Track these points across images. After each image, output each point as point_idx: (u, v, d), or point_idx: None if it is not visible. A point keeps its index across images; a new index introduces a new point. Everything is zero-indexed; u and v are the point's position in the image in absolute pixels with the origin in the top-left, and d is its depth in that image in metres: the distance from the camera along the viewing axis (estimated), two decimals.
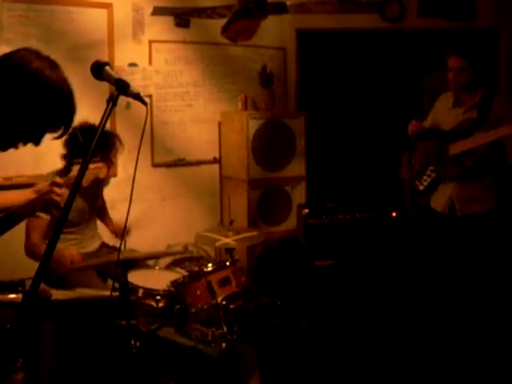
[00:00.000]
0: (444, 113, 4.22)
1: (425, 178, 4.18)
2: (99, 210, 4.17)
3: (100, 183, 3.98)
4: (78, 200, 3.78)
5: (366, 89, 5.99)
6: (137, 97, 1.95)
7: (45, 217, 3.60)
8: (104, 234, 4.22)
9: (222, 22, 5.30)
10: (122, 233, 2.73)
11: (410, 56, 5.94)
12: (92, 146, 1.79)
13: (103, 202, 4.22)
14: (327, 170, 5.86)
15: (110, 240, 4.16)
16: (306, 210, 5.02)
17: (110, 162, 3.69)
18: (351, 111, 6.00)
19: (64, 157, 3.73)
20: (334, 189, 5.68)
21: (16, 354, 1.85)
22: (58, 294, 2.89)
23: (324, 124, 5.89)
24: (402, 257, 4.68)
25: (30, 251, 3.58)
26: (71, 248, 3.66)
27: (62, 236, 1.79)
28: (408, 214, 5.15)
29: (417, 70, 6.06)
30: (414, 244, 4.69)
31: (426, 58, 5.89)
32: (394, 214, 4.97)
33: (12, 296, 2.82)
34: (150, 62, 5.12)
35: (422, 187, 4.22)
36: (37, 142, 2.08)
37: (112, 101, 1.87)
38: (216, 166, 5.60)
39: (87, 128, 3.60)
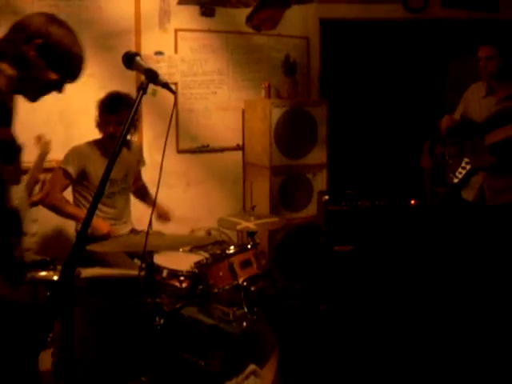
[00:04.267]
0: (475, 103, 4.21)
1: (460, 170, 4.17)
2: (140, 191, 4.47)
3: (133, 159, 4.21)
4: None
5: (388, 78, 6.04)
6: (165, 86, 2.05)
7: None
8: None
9: (247, 11, 5.37)
10: (150, 219, 2.85)
11: (432, 46, 5.97)
12: (127, 123, 1.92)
13: (143, 184, 4.50)
14: (348, 158, 5.93)
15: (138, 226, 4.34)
16: (327, 197, 5.07)
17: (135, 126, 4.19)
18: (373, 100, 6.06)
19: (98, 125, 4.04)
20: (355, 176, 5.75)
21: (49, 328, 1.96)
22: (86, 272, 3.00)
23: (346, 112, 5.96)
24: (418, 245, 4.74)
25: (52, 204, 3.88)
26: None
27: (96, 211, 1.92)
28: (428, 202, 5.21)
29: (439, 60, 6.10)
30: (431, 233, 4.75)
31: (449, 47, 5.93)
32: (412, 202, 5.02)
33: (43, 273, 2.96)
34: (176, 51, 5.22)
35: (456, 180, 4.21)
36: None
37: (142, 89, 1.97)
38: (239, 153, 5.70)
39: (115, 97, 3.98)
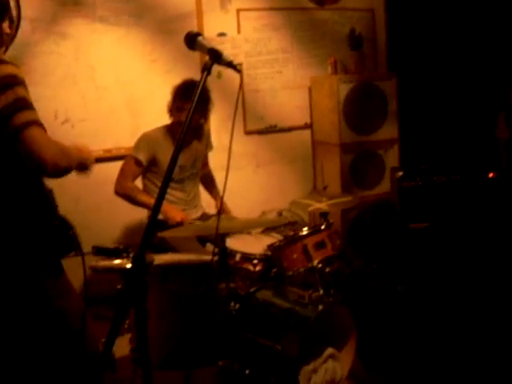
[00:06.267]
0: None
1: None
2: (206, 179, 4.44)
3: (202, 145, 4.19)
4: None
5: (458, 47, 5.81)
6: (230, 65, 1.98)
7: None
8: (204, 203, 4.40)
9: None
10: (220, 204, 2.79)
11: (506, 10, 5.70)
12: (192, 106, 1.87)
13: (210, 171, 4.48)
14: (420, 132, 5.76)
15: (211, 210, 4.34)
16: (400, 173, 4.94)
17: (206, 116, 4.07)
18: (444, 70, 5.84)
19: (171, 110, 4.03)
20: (428, 150, 5.57)
21: (124, 316, 1.94)
22: (159, 259, 2.99)
23: (416, 84, 5.77)
24: (498, 219, 4.55)
25: (124, 193, 3.94)
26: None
27: (166, 196, 1.89)
28: (506, 174, 4.99)
29: None
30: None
31: None
32: (491, 175, 4.82)
33: (118, 262, 2.96)
34: (239, 31, 5.17)
35: None
36: None
37: (206, 70, 1.91)
38: (308, 132, 5.61)
39: (190, 84, 3.87)
